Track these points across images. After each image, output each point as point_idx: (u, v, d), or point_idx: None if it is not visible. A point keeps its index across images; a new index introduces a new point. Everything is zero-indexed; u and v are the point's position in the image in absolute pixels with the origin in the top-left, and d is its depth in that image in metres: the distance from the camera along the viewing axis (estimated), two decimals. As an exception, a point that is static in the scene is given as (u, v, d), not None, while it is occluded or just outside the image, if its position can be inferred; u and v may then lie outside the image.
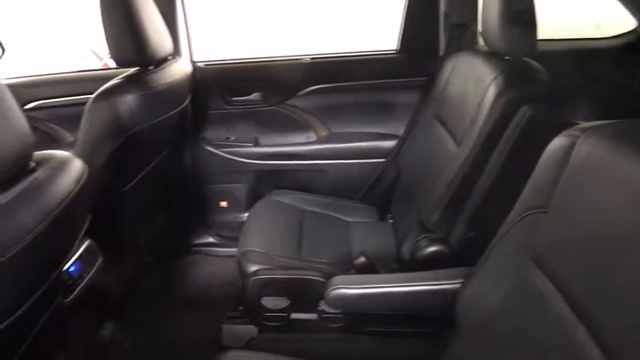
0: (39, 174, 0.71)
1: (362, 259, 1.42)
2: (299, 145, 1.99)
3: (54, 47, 3.64)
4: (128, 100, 1.26)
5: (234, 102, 1.97)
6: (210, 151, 1.98)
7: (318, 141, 2.00)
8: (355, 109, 1.97)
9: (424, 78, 1.82)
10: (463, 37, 1.70)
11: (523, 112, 1.16)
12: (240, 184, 2.07)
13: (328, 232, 1.64)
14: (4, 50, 1.80)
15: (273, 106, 1.98)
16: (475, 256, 0.92)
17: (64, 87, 1.96)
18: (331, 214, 1.75)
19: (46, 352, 1.03)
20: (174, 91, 1.51)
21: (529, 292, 0.71)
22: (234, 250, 1.57)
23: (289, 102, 1.98)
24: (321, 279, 1.32)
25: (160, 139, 1.57)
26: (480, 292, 0.86)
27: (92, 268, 1.12)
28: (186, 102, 1.66)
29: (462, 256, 1.25)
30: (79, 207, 0.81)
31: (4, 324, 0.65)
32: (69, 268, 1.04)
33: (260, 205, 1.77)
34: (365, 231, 1.67)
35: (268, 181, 2.05)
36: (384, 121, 1.96)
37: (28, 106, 1.93)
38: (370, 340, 1.33)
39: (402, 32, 1.86)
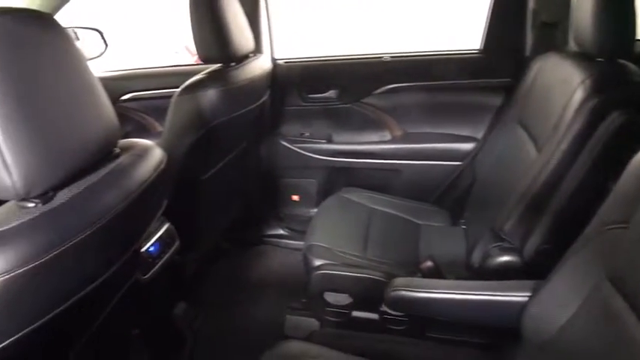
0: (122, 159, 0.79)
1: (429, 263, 1.39)
2: (373, 144, 1.99)
3: (152, 43, 3.94)
4: (210, 95, 1.33)
5: (310, 99, 2.01)
6: (285, 145, 2.04)
7: (393, 140, 1.98)
8: (433, 109, 1.93)
9: (507, 79, 1.74)
10: (553, 37, 1.60)
11: (612, 119, 1.07)
12: (312, 180, 2.10)
13: (396, 234, 1.63)
14: (107, 45, 1.98)
15: (348, 104, 1.99)
16: (548, 269, 0.87)
17: (155, 80, 2.11)
18: (401, 215, 1.73)
19: (122, 323, 1.12)
20: (253, 87, 1.57)
21: (602, 312, 0.66)
22: (303, 243, 1.61)
23: (365, 100, 1.97)
24: (384, 279, 1.31)
25: (239, 132, 1.64)
26: (549, 308, 0.81)
27: (169, 249, 1.21)
28: (265, 98, 1.72)
29: (534, 268, 1.18)
30: (157, 191, 0.88)
31: (86, 290, 0.72)
32: (149, 247, 1.13)
33: (329, 201, 1.79)
34: (435, 235, 1.63)
35: (340, 178, 2.06)
36: (463, 122, 1.89)
37: (124, 97, 2.12)
38: (432, 347, 1.30)
39: (486, 31, 1.78)
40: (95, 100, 0.71)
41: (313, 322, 1.52)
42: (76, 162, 0.67)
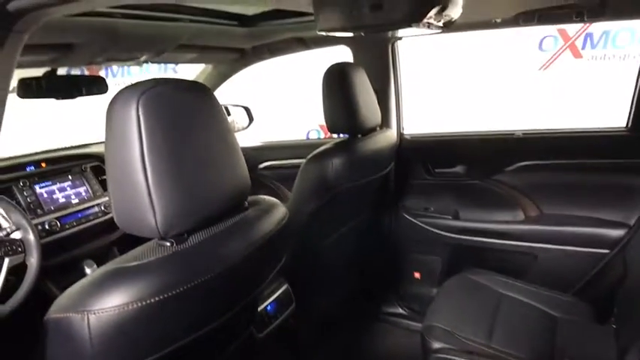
0: (249, 212, 0.86)
1: (566, 362, 1.21)
2: (504, 224, 1.86)
3: (292, 121, 4.34)
4: (334, 164, 1.40)
5: (436, 173, 1.99)
6: (408, 219, 2.01)
7: (527, 221, 1.84)
8: (573, 189, 1.76)
9: None
10: None
11: None
12: (435, 257, 2.02)
13: (528, 324, 1.45)
14: (252, 120, 2.22)
15: (477, 180, 1.92)
16: None
17: (289, 151, 2.32)
18: (535, 304, 1.55)
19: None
20: (377, 159, 1.62)
21: None
22: (422, 325, 1.52)
23: (495, 177, 1.89)
24: None
25: (361, 201, 1.67)
26: None
27: (286, 311, 1.24)
28: (388, 169, 1.75)
29: None
30: (276, 245, 0.93)
31: (204, 330, 0.77)
32: (266, 306, 1.17)
33: (454, 280, 1.69)
34: (575, 331, 1.42)
35: (466, 257, 1.94)
36: (611, 206, 1.69)
37: (261, 166, 2.34)
38: None
39: (634, 107, 1.62)
40: (233, 162, 0.80)
41: (428, 412, 1.38)
42: (209, 211, 0.74)
